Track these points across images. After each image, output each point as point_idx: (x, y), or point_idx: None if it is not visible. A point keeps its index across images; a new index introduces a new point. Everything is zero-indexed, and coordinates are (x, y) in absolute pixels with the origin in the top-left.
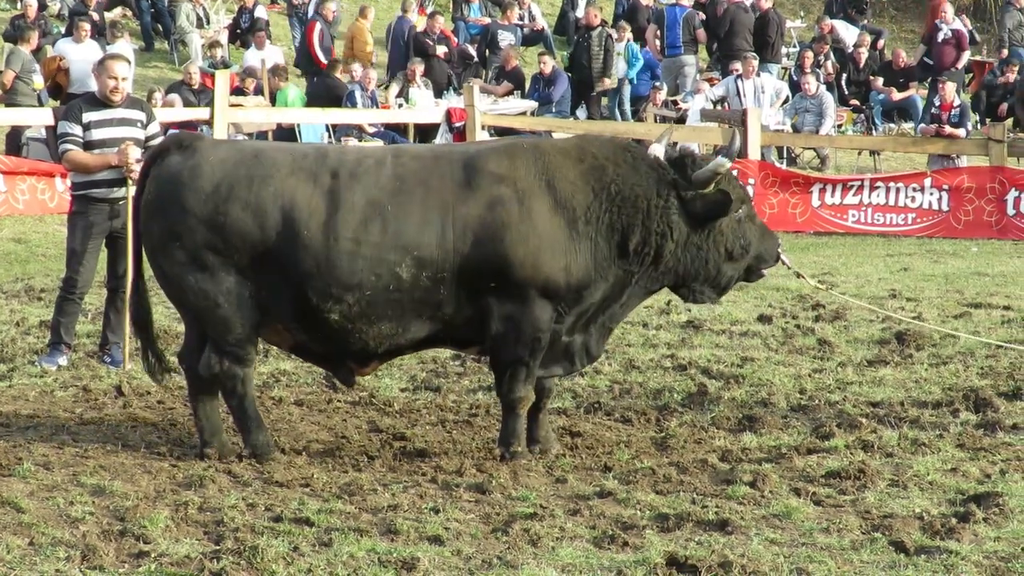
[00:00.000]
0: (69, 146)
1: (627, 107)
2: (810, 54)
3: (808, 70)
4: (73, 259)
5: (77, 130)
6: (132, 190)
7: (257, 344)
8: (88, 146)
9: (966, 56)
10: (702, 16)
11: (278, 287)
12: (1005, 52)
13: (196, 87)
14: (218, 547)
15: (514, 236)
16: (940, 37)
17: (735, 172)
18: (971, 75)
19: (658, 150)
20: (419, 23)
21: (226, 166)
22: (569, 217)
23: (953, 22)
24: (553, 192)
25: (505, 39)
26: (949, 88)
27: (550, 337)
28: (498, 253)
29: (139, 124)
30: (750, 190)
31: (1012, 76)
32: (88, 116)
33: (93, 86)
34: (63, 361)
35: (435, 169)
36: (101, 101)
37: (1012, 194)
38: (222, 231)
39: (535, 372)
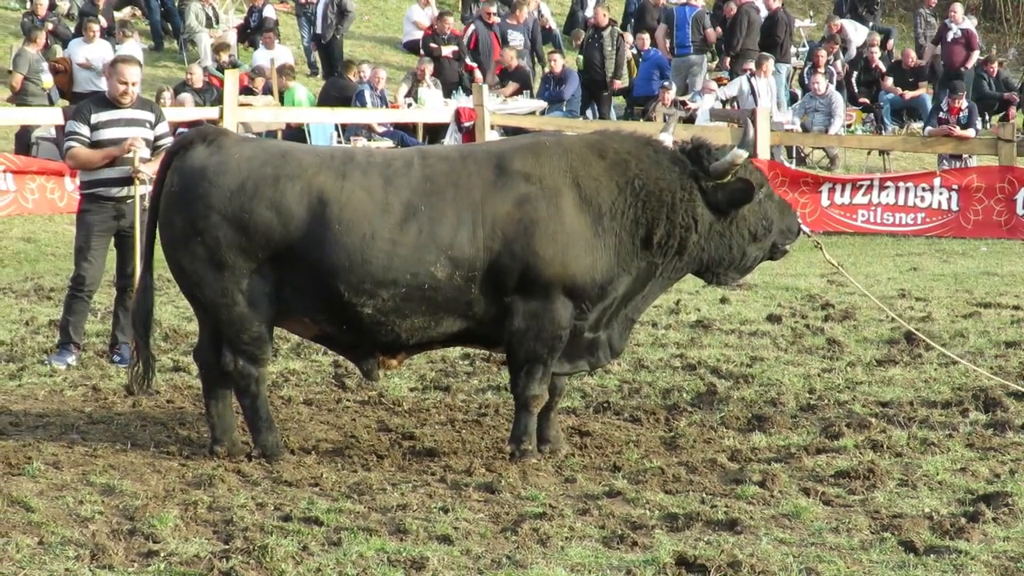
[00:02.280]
0: (73, 143)
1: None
2: (823, 53)
3: (822, 69)
4: (81, 257)
5: (83, 129)
6: (139, 189)
7: (272, 343)
8: (97, 146)
9: (975, 56)
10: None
11: (304, 283)
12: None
13: (201, 87)
14: (227, 546)
15: (543, 233)
16: (950, 37)
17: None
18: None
19: (666, 139)
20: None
21: (253, 164)
22: (594, 214)
23: (963, 21)
24: (579, 189)
25: (515, 39)
26: (960, 99)
27: (574, 333)
28: (527, 251)
29: (148, 124)
30: None
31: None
32: (97, 116)
33: (100, 85)
34: (72, 360)
35: (463, 169)
36: (110, 102)
37: (1022, 194)
38: (246, 229)
39: (551, 371)
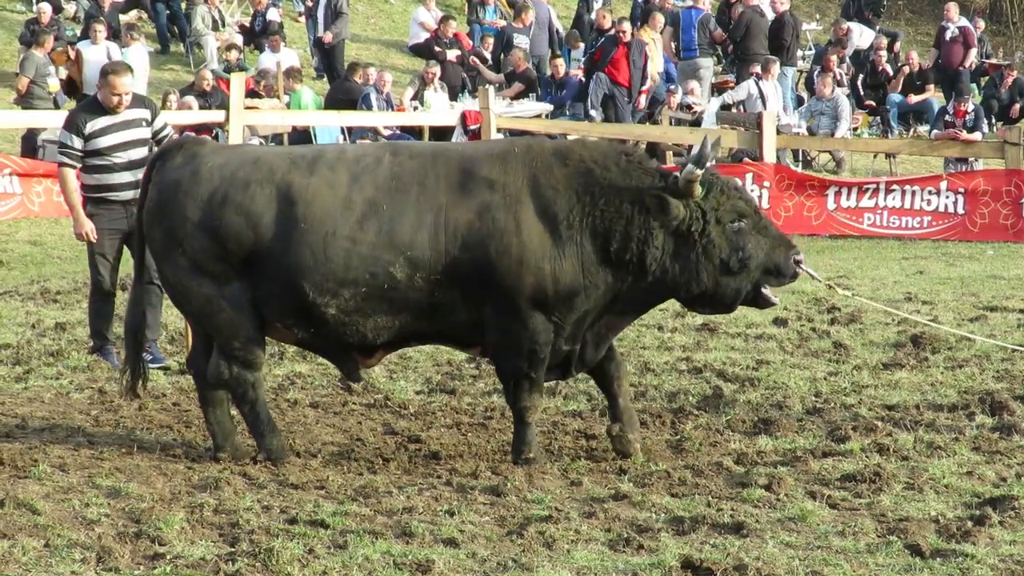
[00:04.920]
0: (66, 160)
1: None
2: (835, 58)
3: (833, 74)
4: (95, 263)
5: (76, 143)
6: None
7: (265, 346)
8: (95, 154)
9: (973, 53)
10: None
11: (273, 287)
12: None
13: (209, 89)
14: (233, 549)
15: (499, 245)
16: (948, 36)
17: (737, 180)
18: (987, 77)
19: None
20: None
21: (224, 172)
22: (552, 223)
23: (959, 20)
24: (539, 197)
25: (520, 42)
26: (967, 102)
27: (551, 350)
28: (484, 260)
29: (144, 123)
30: (765, 193)
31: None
32: (91, 125)
33: None
34: (115, 360)
35: (432, 169)
36: (104, 107)
37: None
38: (218, 236)
39: (540, 382)
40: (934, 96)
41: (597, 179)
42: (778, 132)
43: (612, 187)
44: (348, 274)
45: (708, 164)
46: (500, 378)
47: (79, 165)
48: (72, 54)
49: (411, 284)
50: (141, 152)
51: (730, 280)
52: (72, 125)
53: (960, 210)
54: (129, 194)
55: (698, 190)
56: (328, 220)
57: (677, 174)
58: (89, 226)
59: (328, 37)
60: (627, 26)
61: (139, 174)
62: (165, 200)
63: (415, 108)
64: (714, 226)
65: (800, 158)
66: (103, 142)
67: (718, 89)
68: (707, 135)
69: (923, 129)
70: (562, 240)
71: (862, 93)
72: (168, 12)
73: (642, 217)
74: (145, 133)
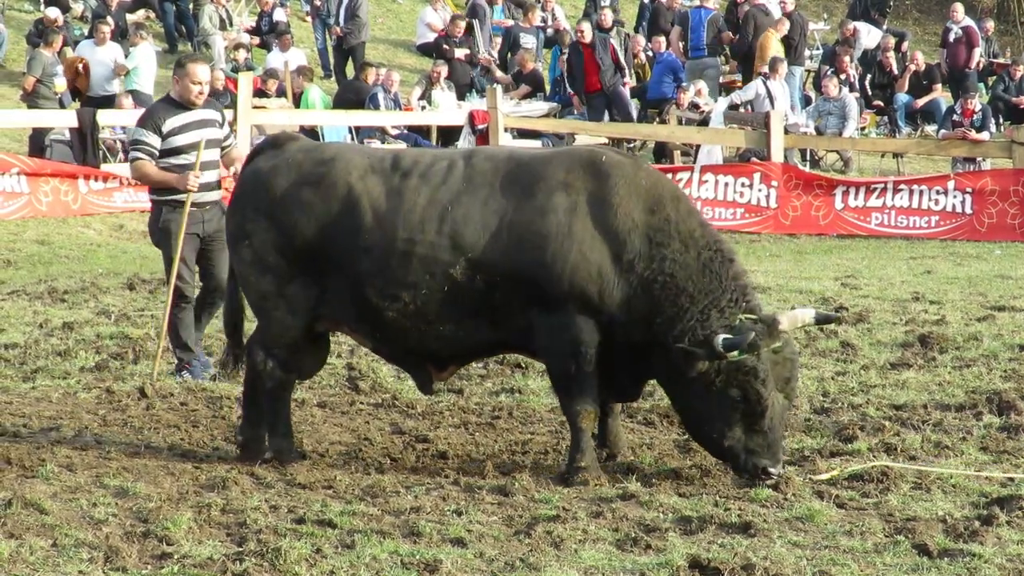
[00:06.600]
0: (140, 155)
1: None
2: (847, 59)
3: (844, 75)
4: (176, 268)
5: (152, 139)
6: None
7: (306, 353)
8: (174, 152)
9: (977, 52)
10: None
11: (339, 288)
12: None
13: (220, 89)
14: (241, 549)
15: (556, 247)
16: (952, 37)
17: (790, 368)
18: (995, 77)
19: (807, 316)
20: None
21: (302, 167)
22: (618, 250)
23: (963, 20)
24: (613, 216)
25: (527, 42)
26: (973, 100)
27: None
28: (539, 261)
29: (217, 124)
30: (773, 192)
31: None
32: (169, 123)
33: (112, 88)
34: (200, 374)
35: (503, 170)
36: (180, 104)
37: None
38: (286, 233)
39: (592, 383)
40: (941, 96)
41: (673, 251)
42: (786, 132)
43: (681, 269)
44: (408, 277)
45: (754, 343)
46: (552, 385)
47: (152, 161)
48: (79, 66)
49: (472, 286)
50: (215, 154)
51: (714, 417)
52: (149, 122)
53: (968, 210)
54: (204, 196)
55: (732, 356)
56: (393, 225)
57: (756, 317)
58: (191, 175)
59: (338, 31)
60: (586, 27)
61: (213, 175)
62: (243, 190)
63: (422, 108)
64: (718, 386)
65: (808, 158)
66: (180, 140)
67: (726, 89)
68: (758, 328)
69: (931, 129)
70: (621, 272)
71: (870, 93)
72: (176, 11)
73: (688, 322)
74: (218, 134)
